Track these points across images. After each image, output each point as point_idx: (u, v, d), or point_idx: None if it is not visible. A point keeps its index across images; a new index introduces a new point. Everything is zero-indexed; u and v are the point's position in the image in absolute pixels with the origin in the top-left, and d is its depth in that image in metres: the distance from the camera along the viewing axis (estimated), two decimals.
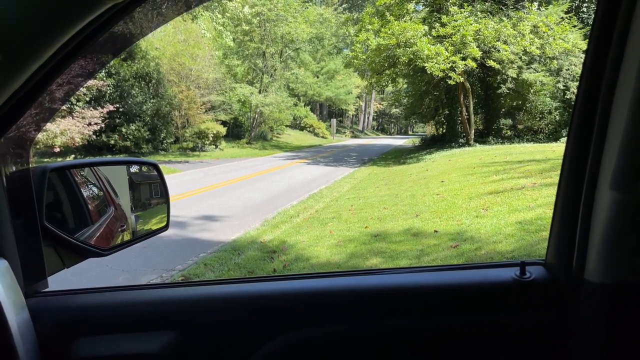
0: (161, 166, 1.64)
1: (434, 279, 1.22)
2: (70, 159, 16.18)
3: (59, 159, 15.15)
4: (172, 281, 5.26)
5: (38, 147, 14.43)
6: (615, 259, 1.00)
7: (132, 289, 1.27)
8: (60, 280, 1.22)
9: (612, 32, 0.93)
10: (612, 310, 1.03)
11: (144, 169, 1.81)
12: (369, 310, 1.17)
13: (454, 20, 17.54)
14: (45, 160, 14.90)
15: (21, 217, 1.03)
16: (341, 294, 1.18)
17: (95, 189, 1.53)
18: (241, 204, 9.98)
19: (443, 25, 17.75)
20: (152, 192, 1.74)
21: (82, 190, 1.41)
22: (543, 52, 17.98)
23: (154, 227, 1.58)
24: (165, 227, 1.53)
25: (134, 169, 1.75)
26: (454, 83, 18.02)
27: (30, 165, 1.08)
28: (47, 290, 1.15)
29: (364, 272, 1.32)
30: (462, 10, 17.94)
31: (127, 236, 1.59)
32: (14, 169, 1.03)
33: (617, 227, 0.98)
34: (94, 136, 17.30)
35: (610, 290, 1.02)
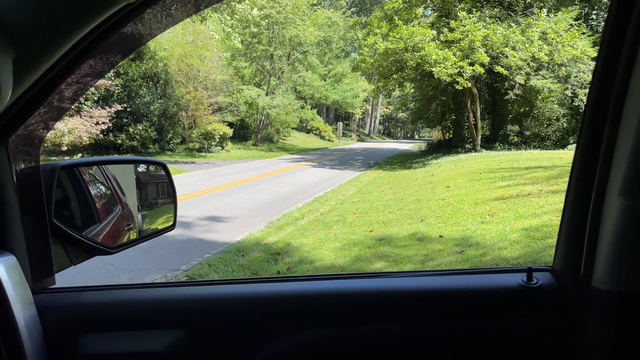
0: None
1: (440, 283, 1.22)
2: (77, 157, 16.26)
3: (66, 158, 15.23)
4: (185, 277, 5.28)
5: (46, 145, 14.51)
6: (623, 267, 1.00)
7: (139, 287, 1.27)
8: (67, 278, 1.23)
9: (623, 39, 0.92)
10: (619, 318, 1.02)
11: (152, 168, 1.82)
12: (374, 313, 1.16)
13: (463, 25, 17.51)
14: (53, 158, 14.99)
15: (30, 214, 1.04)
16: (347, 297, 1.18)
17: (102, 187, 1.54)
18: (246, 205, 9.99)
19: (451, 30, 17.72)
20: (158, 192, 1.75)
21: (90, 188, 1.42)
22: (551, 59, 17.89)
23: (160, 227, 1.59)
24: (172, 227, 1.54)
25: (142, 168, 1.76)
26: (461, 88, 17.97)
27: (40, 163, 1.09)
28: (54, 287, 1.15)
29: (370, 275, 1.31)
30: (471, 15, 17.91)
31: (133, 235, 1.59)
32: (23, 166, 1.04)
33: (626, 234, 0.97)
34: (102, 135, 17.38)
35: (617, 298, 1.01)
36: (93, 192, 1.44)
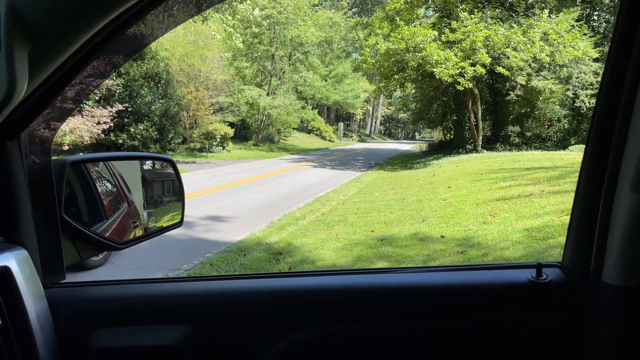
0: None
1: (450, 278, 1.21)
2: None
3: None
4: (188, 275, 5.28)
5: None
6: (634, 262, 0.99)
7: (149, 282, 1.28)
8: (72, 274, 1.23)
9: (634, 34, 0.92)
10: (629, 313, 1.02)
11: (157, 165, 1.82)
12: (383, 309, 1.16)
13: (464, 26, 17.50)
14: (53, 158, 14.96)
15: (41, 209, 1.05)
16: (356, 292, 1.18)
17: (109, 185, 1.55)
18: (248, 205, 10.00)
19: (453, 30, 17.72)
20: (164, 190, 1.75)
21: (97, 185, 1.43)
22: (553, 60, 17.87)
23: (166, 225, 1.59)
24: (180, 223, 1.54)
25: (148, 165, 1.76)
26: (462, 89, 17.96)
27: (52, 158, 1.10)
28: (64, 281, 1.16)
29: (378, 271, 1.31)
30: (472, 16, 17.90)
31: (139, 232, 1.60)
32: (35, 161, 1.05)
33: (637, 230, 0.97)
34: (103, 135, 17.38)
35: (628, 293, 1.01)
36: (100, 189, 1.44)
